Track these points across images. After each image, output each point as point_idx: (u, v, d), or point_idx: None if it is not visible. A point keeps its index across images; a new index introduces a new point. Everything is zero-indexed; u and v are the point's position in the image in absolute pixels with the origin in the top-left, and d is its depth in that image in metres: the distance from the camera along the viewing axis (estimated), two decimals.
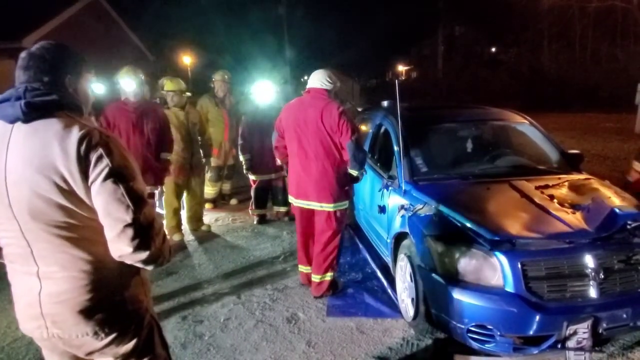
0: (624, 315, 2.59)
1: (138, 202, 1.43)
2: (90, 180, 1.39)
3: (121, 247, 1.43)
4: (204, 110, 6.06)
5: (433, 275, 2.83)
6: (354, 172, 3.54)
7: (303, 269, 3.94)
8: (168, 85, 4.98)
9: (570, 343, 2.55)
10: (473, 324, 2.63)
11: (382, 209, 3.86)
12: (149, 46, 19.67)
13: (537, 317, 2.52)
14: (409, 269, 3.22)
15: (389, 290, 3.79)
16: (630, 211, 2.81)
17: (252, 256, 4.70)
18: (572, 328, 2.52)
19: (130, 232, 1.41)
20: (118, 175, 1.41)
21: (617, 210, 2.77)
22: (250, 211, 5.78)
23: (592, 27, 24.80)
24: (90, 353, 1.58)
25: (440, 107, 5.11)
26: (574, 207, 2.97)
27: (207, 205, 6.31)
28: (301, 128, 3.55)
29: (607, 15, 23.02)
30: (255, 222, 5.70)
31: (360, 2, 38.60)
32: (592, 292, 2.61)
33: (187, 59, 27.10)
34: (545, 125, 4.74)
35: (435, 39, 33.34)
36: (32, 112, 1.40)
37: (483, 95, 18.93)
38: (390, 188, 3.78)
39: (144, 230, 1.44)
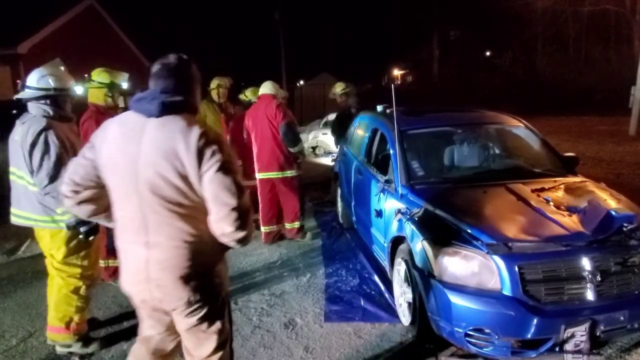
0: (622, 318, 2.59)
1: (241, 191, 1.73)
2: (203, 169, 1.68)
3: (224, 227, 1.72)
4: (202, 115, 6.04)
5: (430, 279, 2.82)
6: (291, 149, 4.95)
7: (266, 229, 5.18)
8: None
9: (568, 346, 2.55)
10: (471, 327, 2.63)
11: (379, 213, 3.86)
12: (144, 52, 19.64)
13: (535, 321, 2.52)
14: (406, 273, 3.21)
15: (387, 295, 3.78)
16: (627, 213, 2.82)
17: (248, 261, 4.68)
18: (569, 331, 2.51)
19: (234, 214, 1.70)
20: (227, 168, 1.71)
21: (613, 213, 2.78)
22: None
23: (585, 30, 24.97)
24: (175, 309, 1.85)
25: (436, 110, 5.12)
26: (570, 209, 2.97)
27: None
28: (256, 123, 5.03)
29: (600, 19, 23.19)
30: None
31: (355, 7, 38.72)
32: (590, 295, 2.61)
33: None
34: (540, 129, 4.76)
35: (431, 43, 33.45)
36: (164, 110, 1.72)
37: (478, 98, 19.01)
38: (386, 192, 3.78)
39: (244, 214, 1.73)
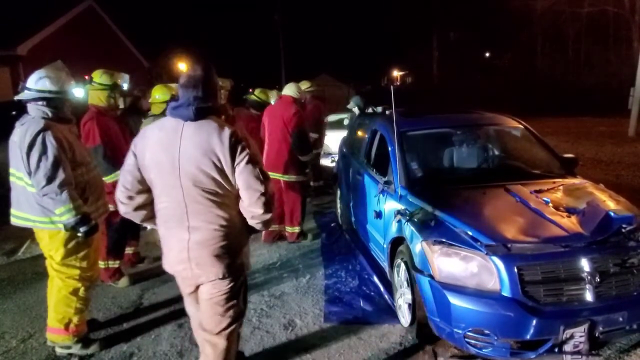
0: (620, 319, 2.60)
1: (266, 179, 2.09)
2: (236, 162, 2.03)
3: (254, 210, 2.08)
4: None
5: (429, 280, 2.82)
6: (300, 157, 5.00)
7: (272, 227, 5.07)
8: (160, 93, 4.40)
9: (567, 347, 2.55)
10: (470, 328, 2.63)
11: (379, 215, 3.86)
12: (144, 53, 19.65)
13: (534, 322, 2.52)
14: (405, 274, 3.22)
15: (386, 296, 3.78)
16: (625, 215, 2.82)
17: None
18: (568, 332, 2.52)
19: (263, 199, 2.06)
20: (254, 160, 2.06)
21: (612, 214, 2.78)
22: None
23: (584, 31, 25.02)
24: (209, 282, 2.18)
25: (435, 112, 5.12)
26: (569, 211, 2.98)
27: None
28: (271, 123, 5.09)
29: (599, 20, 23.24)
30: None
31: (355, 8, 38.83)
32: (588, 296, 2.61)
33: (182, 66, 27.09)
34: (540, 130, 4.77)
35: (430, 44, 33.48)
36: (199, 115, 2.05)
37: (478, 99, 19.06)
38: (386, 193, 3.78)
39: (270, 199, 2.09)
